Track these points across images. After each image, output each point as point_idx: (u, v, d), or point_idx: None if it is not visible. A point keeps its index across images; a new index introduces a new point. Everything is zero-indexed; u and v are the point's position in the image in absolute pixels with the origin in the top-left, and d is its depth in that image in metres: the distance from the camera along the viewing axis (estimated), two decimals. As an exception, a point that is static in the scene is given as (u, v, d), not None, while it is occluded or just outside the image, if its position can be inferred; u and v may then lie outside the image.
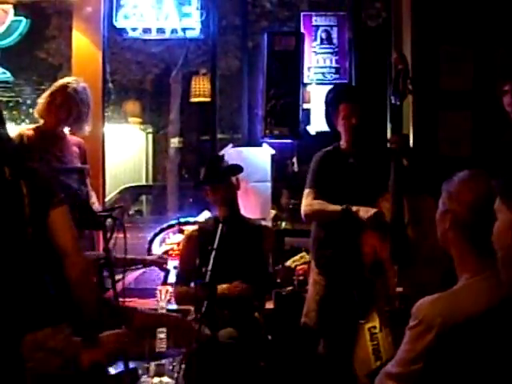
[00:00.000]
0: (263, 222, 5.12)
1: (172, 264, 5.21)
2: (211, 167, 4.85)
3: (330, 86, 5.63)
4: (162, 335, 4.45)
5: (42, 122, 5.21)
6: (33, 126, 5.32)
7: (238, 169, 4.87)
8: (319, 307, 4.76)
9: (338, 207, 4.56)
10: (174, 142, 12.18)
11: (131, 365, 3.30)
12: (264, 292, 4.86)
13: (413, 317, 2.38)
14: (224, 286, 4.45)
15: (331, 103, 4.87)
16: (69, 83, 5.18)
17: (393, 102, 4.54)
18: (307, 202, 4.77)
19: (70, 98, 5.12)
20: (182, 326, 3.57)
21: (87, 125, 5.25)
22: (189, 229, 5.40)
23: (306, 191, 4.82)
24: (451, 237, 2.45)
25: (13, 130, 5.66)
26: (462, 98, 5.80)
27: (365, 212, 4.43)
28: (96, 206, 5.21)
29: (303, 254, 4.67)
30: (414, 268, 4.22)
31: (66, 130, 5.32)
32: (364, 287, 4.40)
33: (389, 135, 5.72)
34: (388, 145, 4.63)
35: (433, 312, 2.32)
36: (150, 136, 14.28)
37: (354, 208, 4.48)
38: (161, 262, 5.13)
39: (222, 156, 4.99)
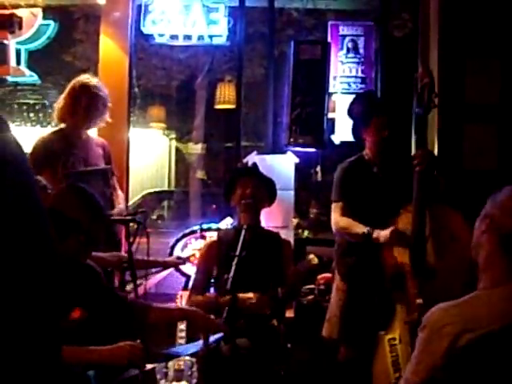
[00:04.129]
0: (283, 235, 5.07)
1: (193, 270, 5.20)
2: (255, 166, 4.92)
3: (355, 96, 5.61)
4: (183, 333, 4.46)
5: (63, 125, 5.22)
6: (55, 129, 5.33)
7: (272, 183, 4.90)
8: (341, 313, 4.76)
9: (360, 230, 4.54)
10: (198, 148, 12.20)
11: (149, 366, 3.29)
12: (280, 311, 4.80)
13: (422, 323, 2.36)
14: (248, 295, 4.42)
15: (362, 117, 4.85)
16: (88, 82, 5.17)
17: (417, 113, 4.54)
18: (335, 219, 4.76)
19: (96, 97, 5.13)
20: (203, 321, 3.55)
21: (106, 117, 5.26)
22: (211, 235, 5.41)
23: (333, 205, 4.81)
24: (485, 240, 2.42)
25: (39, 133, 5.71)
26: (488, 112, 5.77)
27: (383, 238, 4.42)
28: (121, 207, 5.21)
29: (312, 256, 4.65)
30: (434, 280, 4.20)
31: (92, 131, 5.34)
32: (384, 298, 4.39)
33: (413, 146, 5.71)
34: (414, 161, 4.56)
35: (442, 319, 2.30)
36: (174, 142, 14.30)
37: (375, 234, 4.46)
38: (180, 263, 5.15)
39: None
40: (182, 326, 4.45)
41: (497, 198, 2.44)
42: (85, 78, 5.23)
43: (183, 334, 4.44)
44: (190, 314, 3.64)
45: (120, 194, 5.32)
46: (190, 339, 4.22)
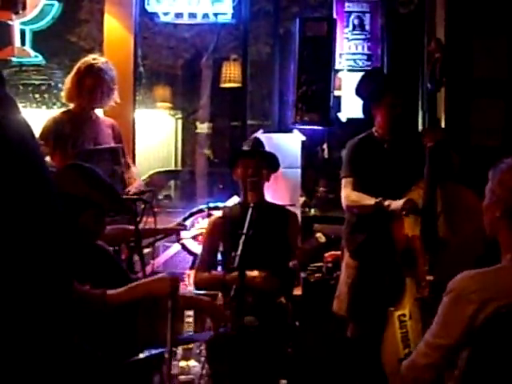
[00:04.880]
0: (288, 207, 5.08)
1: (200, 248, 5.20)
2: (258, 142, 4.88)
3: (362, 73, 5.58)
4: (190, 319, 4.47)
5: (71, 105, 5.22)
6: (63, 109, 5.34)
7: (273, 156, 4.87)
8: (350, 290, 4.77)
9: (371, 201, 4.54)
10: (204, 127, 12.16)
11: (158, 350, 3.30)
12: (289, 285, 4.81)
13: (448, 288, 2.37)
14: (254, 273, 4.43)
15: (372, 95, 4.83)
16: (94, 64, 5.15)
17: (429, 89, 4.53)
18: (346, 194, 4.76)
19: (99, 79, 5.11)
20: (211, 309, 3.56)
21: (115, 98, 5.25)
22: (217, 214, 5.41)
23: (344, 181, 4.81)
24: (503, 225, 2.42)
25: (45, 114, 5.70)
26: (496, 87, 5.74)
27: (396, 205, 4.41)
28: (138, 182, 5.23)
29: (319, 234, 4.66)
30: (445, 256, 4.20)
31: (99, 112, 5.33)
32: (395, 274, 4.39)
33: (420, 121, 5.71)
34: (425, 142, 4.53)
35: (470, 285, 2.31)
36: (180, 121, 14.27)
37: (386, 203, 4.46)
38: (181, 229, 5.15)
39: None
40: (190, 314, 4.47)
41: (501, 177, 2.43)
42: (91, 58, 5.21)
43: (191, 321, 4.46)
44: (198, 302, 3.64)
45: (134, 170, 5.33)
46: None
